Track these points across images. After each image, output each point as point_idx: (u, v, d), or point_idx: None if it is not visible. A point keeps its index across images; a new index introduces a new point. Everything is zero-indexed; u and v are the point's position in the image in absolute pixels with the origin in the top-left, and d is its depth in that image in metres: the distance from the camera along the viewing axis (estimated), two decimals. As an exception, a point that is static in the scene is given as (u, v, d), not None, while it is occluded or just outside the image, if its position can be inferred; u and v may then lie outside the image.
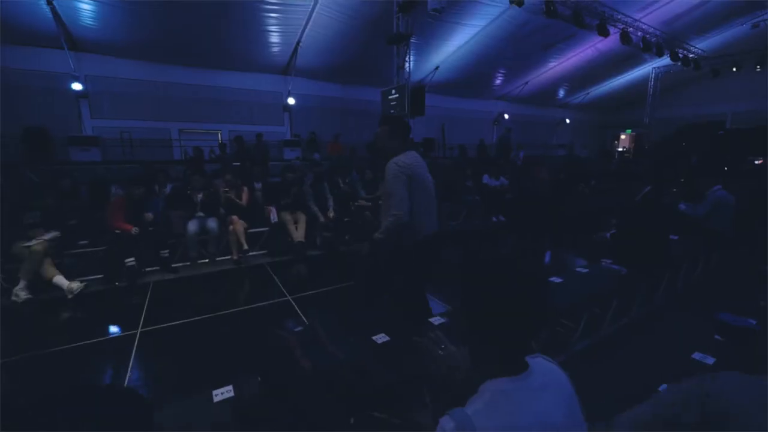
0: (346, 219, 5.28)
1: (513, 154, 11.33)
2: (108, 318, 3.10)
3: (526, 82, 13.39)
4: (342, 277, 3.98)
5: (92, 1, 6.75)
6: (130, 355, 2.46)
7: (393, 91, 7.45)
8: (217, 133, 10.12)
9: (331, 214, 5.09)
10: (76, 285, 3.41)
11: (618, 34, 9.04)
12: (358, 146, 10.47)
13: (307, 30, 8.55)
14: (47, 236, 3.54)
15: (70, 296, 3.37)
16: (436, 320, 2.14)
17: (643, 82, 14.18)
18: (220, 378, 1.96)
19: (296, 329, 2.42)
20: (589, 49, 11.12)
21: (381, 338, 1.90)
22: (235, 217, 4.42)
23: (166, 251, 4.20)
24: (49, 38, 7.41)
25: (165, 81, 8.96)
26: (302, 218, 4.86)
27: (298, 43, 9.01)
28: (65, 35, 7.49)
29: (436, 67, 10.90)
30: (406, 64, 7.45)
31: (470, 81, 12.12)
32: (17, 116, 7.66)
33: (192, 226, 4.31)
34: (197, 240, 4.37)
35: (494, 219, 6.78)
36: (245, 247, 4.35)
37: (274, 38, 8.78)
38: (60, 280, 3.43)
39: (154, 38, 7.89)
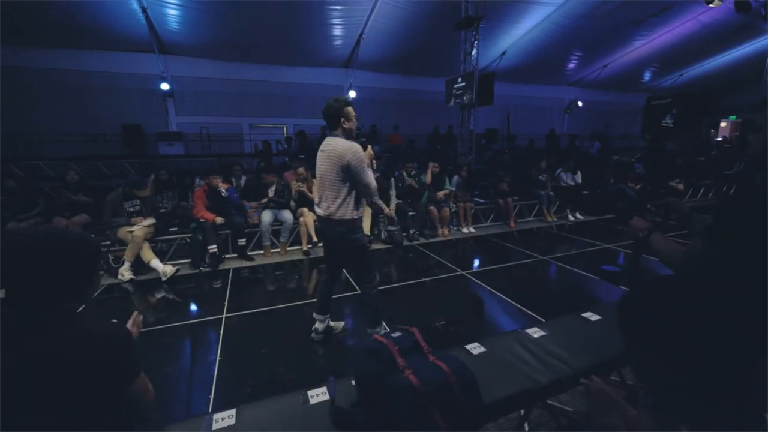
0: (411, 213, 5.13)
1: (586, 146, 10.31)
2: (196, 300, 3.32)
3: (605, 65, 12.04)
4: (412, 274, 3.88)
5: (178, 6, 7.31)
6: (218, 340, 2.57)
7: (459, 80, 7.10)
8: (283, 127, 10.56)
9: (392, 208, 4.98)
10: (169, 269, 3.71)
11: (732, 2, 7.65)
12: (417, 138, 10.27)
13: (370, 21, 8.47)
14: (146, 222, 3.90)
15: (164, 279, 3.67)
16: (533, 331, 1.90)
17: (757, 58, 11.97)
18: (309, 377, 1.97)
19: (376, 329, 2.36)
20: (690, 21, 9.61)
21: (476, 348, 1.72)
22: (305, 209, 4.50)
23: (243, 240, 4.42)
24: (143, 43, 8.21)
25: (238, 78, 9.53)
26: (367, 212, 4.81)
27: (360, 35, 8.98)
28: (156, 39, 8.23)
29: (503, 53, 10.22)
30: (474, 50, 7.03)
31: (540, 66, 11.20)
32: (119, 115, 8.65)
33: (266, 216, 4.47)
34: (270, 230, 4.53)
35: (571, 218, 6.18)
36: (314, 239, 4.41)
37: (337, 31, 8.84)
38: (156, 263, 3.76)
39: (229, 38, 8.38)
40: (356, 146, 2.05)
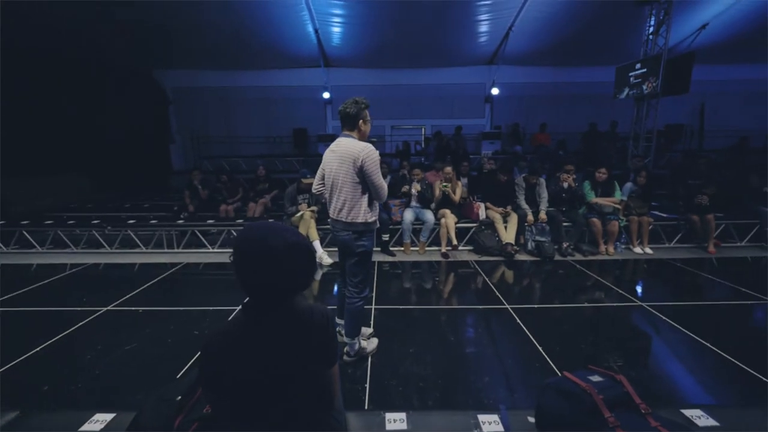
0: (566, 223, 4.51)
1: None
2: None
3: None
4: (563, 295, 3.37)
5: (341, 24, 8.24)
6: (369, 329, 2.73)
7: (637, 66, 5.85)
8: (421, 128, 10.82)
9: (544, 216, 4.44)
10: (326, 258, 4.19)
11: None
12: (568, 137, 9.04)
13: (522, 12, 7.79)
14: (309, 209, 4.55)
15: (320, 264, 4.17)
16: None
17: None
18: (461, 391, 1.79)
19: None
20: None
21: (702, 419, 1.30)
22: (447, 211, 4.45)
23: (386, 235, 4.67)
24: (312, 59, 9.59)
25: (384, 84, 10.18)
26: (514, 217, 4.44)
27: (510, 28, 8.37)
28: (322, 55, 9.52)
29: (703, 26, 7.96)
30: (662, 28, 5.67)
31: (759, 37, 8.28)
32: (291, 120, 10.39)
33: (408, 215, 4.60)
34: (411, 228, 4.65)
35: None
36: (455, 242, 4.32)
37: (484, 27, 8.45)
38: (317, 245, 4.34)
39: (380, 47, 9.00)
40: (370, 147, 1.97)
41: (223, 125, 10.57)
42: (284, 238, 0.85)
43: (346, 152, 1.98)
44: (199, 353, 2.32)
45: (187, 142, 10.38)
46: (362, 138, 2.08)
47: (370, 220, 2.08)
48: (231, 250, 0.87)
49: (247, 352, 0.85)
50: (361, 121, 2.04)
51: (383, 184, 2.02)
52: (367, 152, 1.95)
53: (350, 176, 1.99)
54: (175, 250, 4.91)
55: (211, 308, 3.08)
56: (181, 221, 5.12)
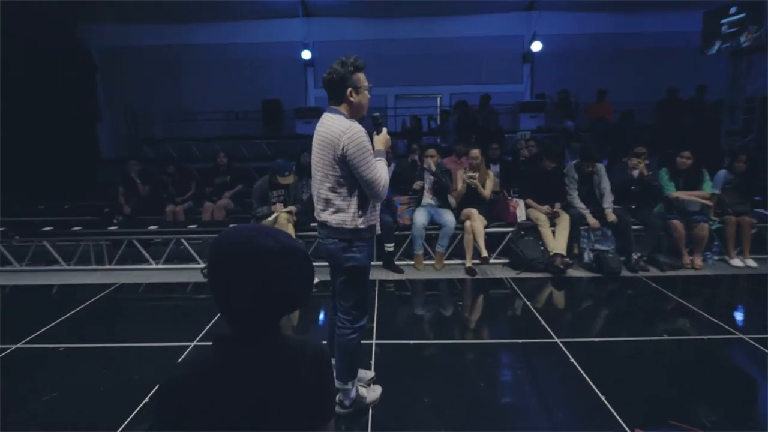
0: (637, 226, 4.53)
1: None
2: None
3: None
4: (635, 324, 3.39)
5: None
6: (370, 367, 2.75)
7: (733, 10, 5.87)
8: (437, 97, 10.85)
9: (611, 217, 4.46)
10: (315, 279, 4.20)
11: None
12: (638, 109, 9.03)
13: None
14: (286, 209, 4.58)
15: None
16: None
17: None
18: None
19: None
20: None
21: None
22: (473, 211, 4.47)
23: (391, 245, 4.70)
24: (287, 6, 9.67)
25: (385, 38, 10.23)
26: (564, 219, 4.45)
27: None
28: (301, 1, 9.59)
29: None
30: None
31: None
32: (260, 90, 10.45)
33: (420, 216, 4.63)
34: (424, 235, 4.67)
35: None
36: (484, 253, 4.34)
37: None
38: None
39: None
40: (355, 127, 1.95)
41: (170, 97, 10.61)
42: (277, 239, 0.87)
43: (326, 135, 1.99)
44: (148, 403, 2.34)
45: (120, 120, 10.45)
46: (354, 113, 2.06)
47: (362, 226, 2.07)
48: (204, 265, 0.88)
49: (219, 400, 0.86)
50: (349, 89, 2.01)
51: (376, 178, 1.98)
52: (350, 135, 1.92)
53: (332, 168, 2.00)
54: (107, 267, 4.94)
55: (156, 345, 3.10)
56: (113, 228, 5.16)
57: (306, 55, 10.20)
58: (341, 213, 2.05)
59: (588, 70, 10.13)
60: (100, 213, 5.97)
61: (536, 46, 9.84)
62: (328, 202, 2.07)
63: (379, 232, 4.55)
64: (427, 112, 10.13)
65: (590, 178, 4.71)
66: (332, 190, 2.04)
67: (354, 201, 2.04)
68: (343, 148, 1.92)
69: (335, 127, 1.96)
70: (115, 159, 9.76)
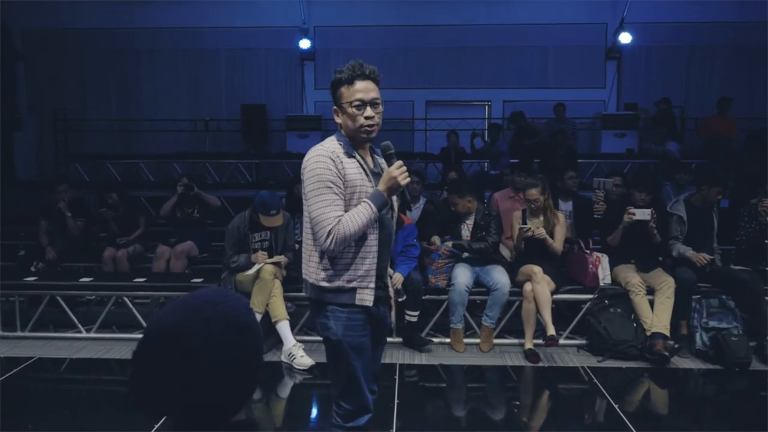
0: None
1: None
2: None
3: None
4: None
5: None
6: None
7: None
8: (484, 105, 11.06)
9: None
10: (300, 357, 4.25)
11: None
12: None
13: None
14: (271, 260, 4.66)
15: (296, 365, 4.23)
16: None
17: None
18: None
19: None
20: None
21: None
22: (536, 269, 4.50)
23: (415, 313, 4.71)
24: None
25: (412, 24, 10.47)
26: (668, 283, 4.47)
27: None
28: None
29: None
30: None
31: None
32: (239, 92, 10.75)
33: (461, 275, 4.67)
34: (466, 301, 4.70)
35: None
36: (551, 330, 4.34)
37: None
38: (285, 329, 4.37)
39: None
40: (321, 150, 2.12)
41: (114, 99, 10.95)
42: (233, 306, 0.92)
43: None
44: None
45: (46, 128, 10.71)
46: (355, 137, 2.19)
47: (326, 285, 2.14)
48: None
49: None
50: (334, 107, 2.22)
51: (319, 217, 2.05)
52: (308, 158, 2.15)
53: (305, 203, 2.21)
54: (19, 334, 4.99)
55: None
56: (30, 279, 5.23)
57: (304, 44, 10.52)
58: (306, 263, 2.23)
59: (699, 71, 10.26)
60: (12, 257, 6.06)
61: (625, 38, 10.04)
62: (304, 247, 2.27)
63: (403, 297, 4.58)
64: (471, 126, 10.09)
65: (708, 217, 4.75)
66: (305, 231, 2.23)
67: (317, 248, 2.16)
68: (303, 178, 2.15)
69: (310, 152, 2.19)
70: (36, 180, 9.92)
